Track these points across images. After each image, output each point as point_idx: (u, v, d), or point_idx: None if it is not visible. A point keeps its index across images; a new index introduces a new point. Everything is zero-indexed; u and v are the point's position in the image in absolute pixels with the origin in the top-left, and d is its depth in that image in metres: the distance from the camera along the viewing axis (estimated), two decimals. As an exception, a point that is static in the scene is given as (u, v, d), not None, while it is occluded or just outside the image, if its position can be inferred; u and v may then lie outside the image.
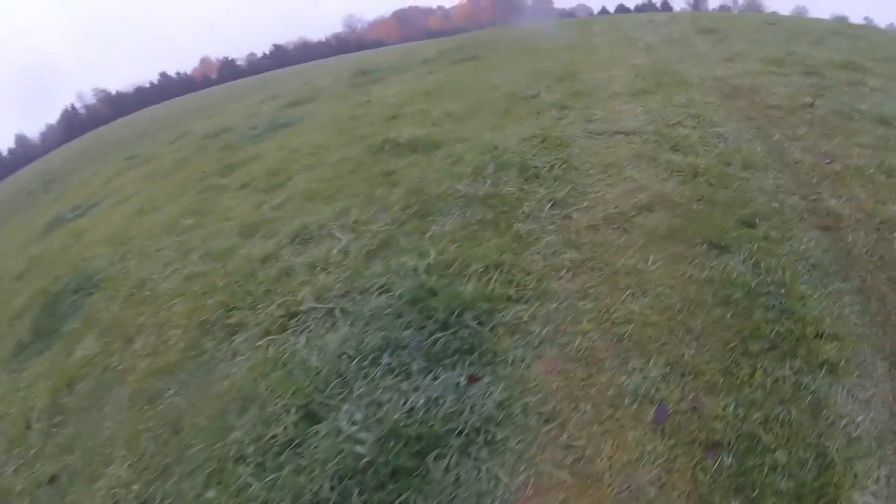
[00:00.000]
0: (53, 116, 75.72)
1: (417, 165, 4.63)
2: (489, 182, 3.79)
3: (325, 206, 4.36)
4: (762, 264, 2.87)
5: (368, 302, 2.88)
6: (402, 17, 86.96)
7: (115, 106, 72.11)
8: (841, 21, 29.27)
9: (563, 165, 3.91)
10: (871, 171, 4.03)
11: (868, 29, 22.38)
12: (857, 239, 3.20)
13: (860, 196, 3.71)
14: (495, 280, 2.84)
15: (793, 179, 3.80)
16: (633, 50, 9.98)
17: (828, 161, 4.17)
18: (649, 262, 2.93)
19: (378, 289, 2.97)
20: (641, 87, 6.23)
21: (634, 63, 7.98)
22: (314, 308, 2.97)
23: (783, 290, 2.68)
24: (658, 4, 67.98)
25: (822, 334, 2.40)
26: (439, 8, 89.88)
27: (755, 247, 3.00)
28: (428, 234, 3.40)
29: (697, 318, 2.59)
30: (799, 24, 16.56)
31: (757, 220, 3.26)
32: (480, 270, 2.91)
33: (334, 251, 3.48)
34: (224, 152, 8.49)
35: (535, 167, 3.90)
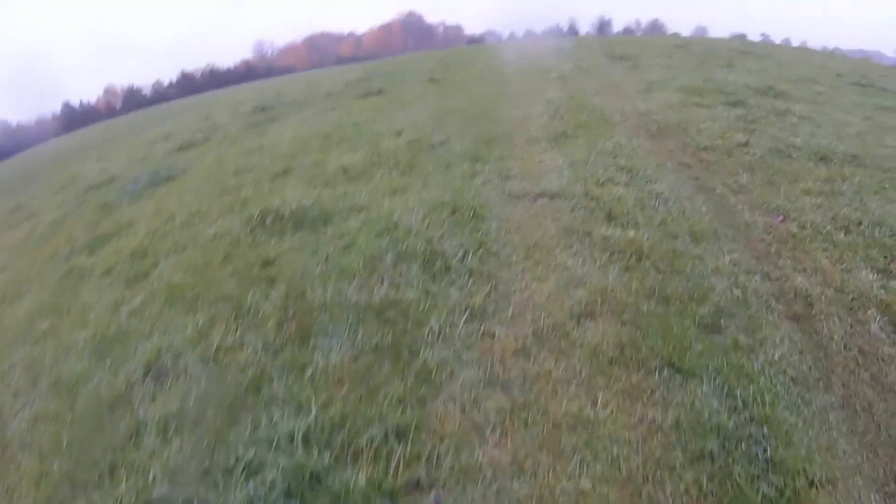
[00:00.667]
0: (-56, 152, 68.80)
1: (302, 250, 3.68)
2: (387, 282, 2.91)
3: (186, 316, 3.34)
4: (737, 391, 2.25)
5: (231, 491, 1.94)
6: (312, 43, 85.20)
7: (15, 140, 65.89)
8: (743, 40, 31.07)
9: (479, 251, 3.09)
10: (828, 227, 3.54)
11: (770, 47, 23.68)
12: (832, 328, 2.73)
13: (824, 265, 3.15)
14: (397, 456, 1.96)
15: (749, 251, 3.19)
16: (547, 81, 9.53)
17: (780, 219, 3.63)
18: (598, 404, 2.15)
19: (245, 469, 2.03)
20: (561, 128, 5.62)
21: (549, 97, 7.45)
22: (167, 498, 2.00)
23: (765, 428, 2.11)
24: (564, 28, 70.64)
25: (814, 481, 1.94)
26: (350, 34, 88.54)
27: (725, 364, 2.35)
28: (308, 372, 2.46)
29: (666, 489, 1.87)
30: (706, 46, 17.04)
31: (721, 321, 2.58)
32: (377, 441, 2.03)
33: (191, 401, 2.49)
34: (100, 214, 7.27)
35: (445, 255, 3.05)
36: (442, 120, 6.51)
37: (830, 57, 19.51)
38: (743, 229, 3.46)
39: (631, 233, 3.17)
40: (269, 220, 4.29)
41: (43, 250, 6.81)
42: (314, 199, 4.38)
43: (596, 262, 2.93)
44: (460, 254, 3.05)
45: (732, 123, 5.99)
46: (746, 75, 10.43)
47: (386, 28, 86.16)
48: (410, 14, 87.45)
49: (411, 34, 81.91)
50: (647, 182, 4.01)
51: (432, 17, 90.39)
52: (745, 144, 5.11)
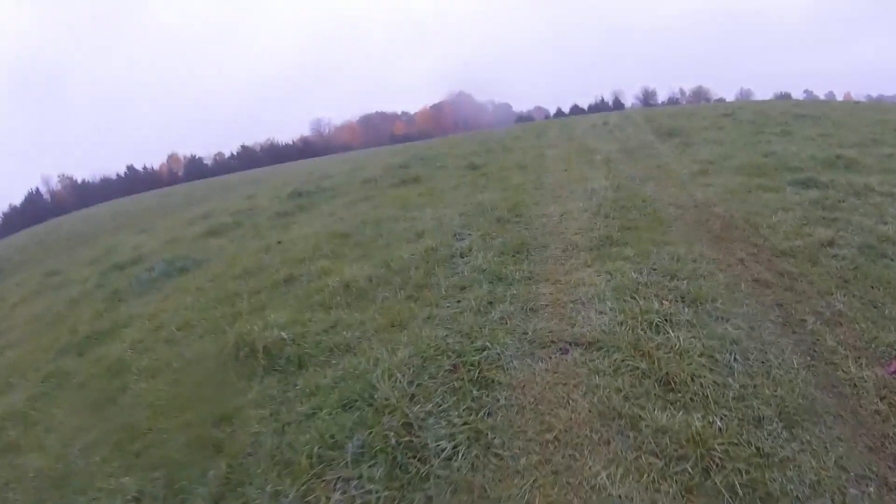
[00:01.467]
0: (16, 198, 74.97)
1: (263, 406, 2.91)
2: (337, 494, 2.04)
3: (122, 478, 2.67)
4: None
5: None
6: (367, 121, 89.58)
7: (79, 194, 71.02)
8: (791, 101, 29.82)
9: (475, 445, 2.19)
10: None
11: (820, 105, 22.33)
12: None
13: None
14: None
15: (861, 436, 2.15)
16: (591, 165, 8.79)
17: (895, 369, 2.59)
18: None
19: None
20: (605, 230, 4.75)
21: (593, 187, 6.64)
22: None
23: None
24: (610, 102, 71.03)
25: None
26: (404, 113, 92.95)
27: None
28: None
29: None
30: (755, 111, 16.09)
31: None
32: None
33: None
34: (109, 303, 6.99)
35: (424, 451, 2.16)
36: (471, 218, 5.77)
37: (880, 108, 18.02)
38: (850, 394, 2.43)
39: (696, 420, 2.18)
40: (242, 353, 3.57)
41: (49, 334, 6.54)
42: (298, 330, 3.64)
43: (642, 477, 1.97)
44: (447, 446, 2.16)
45: (809, 212, 4.99)
46: (807, 144, 9.45)
47: (437, 107, 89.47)
48: (460, 94, 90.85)
49: (461, 112, 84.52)
50: (716, 319, 3.04)
51: (481, 95, 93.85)
52: (831, 244, 4.08)
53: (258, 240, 8.00)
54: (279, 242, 7.21)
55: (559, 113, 71.49)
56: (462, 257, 4.50)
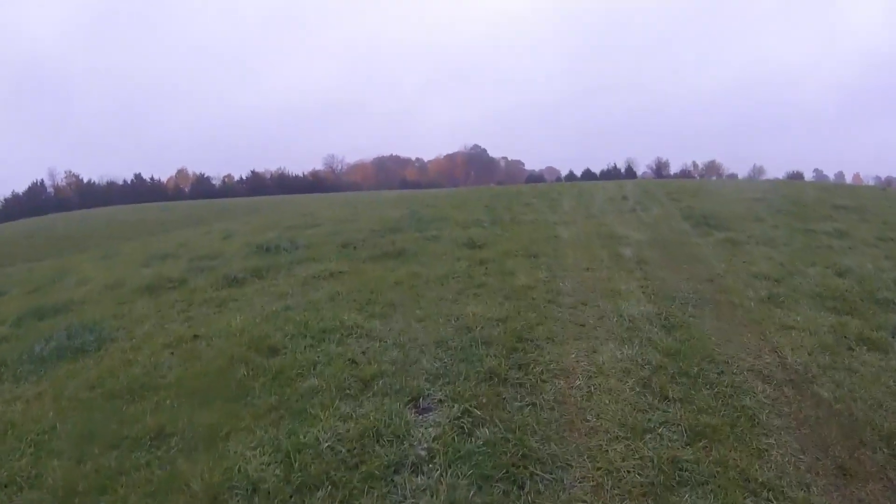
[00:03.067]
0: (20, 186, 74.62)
1: None
2: None
3: None
4: None
5: None
6: (380, 164, 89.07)
7: (83, 194, 69.90)
8: (821, 186, 28.03)
9: None
10: None
11: (849, 191, 20.32)
12: None
13: None
14: None
15: None
16: (619, 265, 6.93)
17: None
18: None
19: None
20: (664, 447, 2.83)
21: (631, 314, 4.76)
22: None
23: None
24: (623, 170, 70.10)
25: None
26: (417, 160, 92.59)
27: None
28: None
29: None
30: (788, 199, 14.39)
31: None
32: None
33: None
34: None
35: None
36: (450, 361, 3.85)
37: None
38: None
39: None
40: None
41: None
42: None
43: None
44: None
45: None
46: (872, 251, 7.84)
47: (450, 158, 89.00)
48: (475, 147, 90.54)
49: (474, 165, 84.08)
50: None
51: (495, 151, 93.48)
52: None
53: (180, 322, 6.11)
54: (195, 337, 5.31)
55: (571, 176, 70.62)
56: (414, 474, 2.55)
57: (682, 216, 11.32)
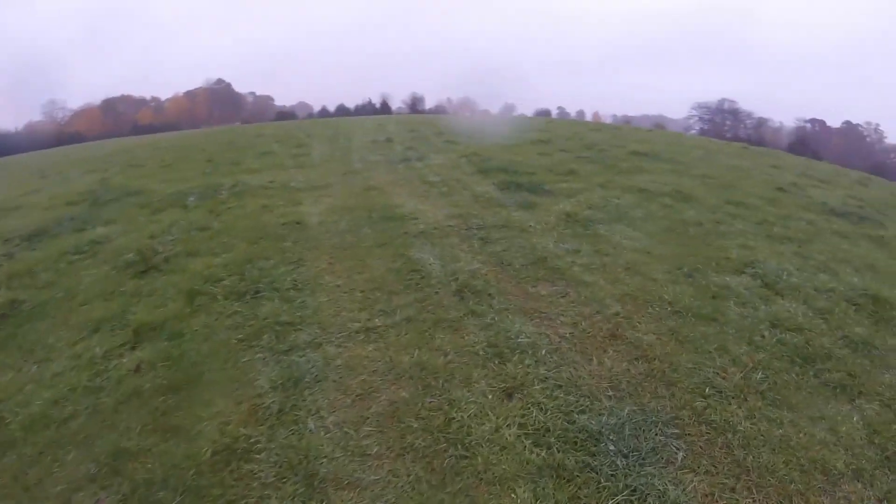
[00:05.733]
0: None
1: None
2: None
3: None
4: None
5: None
6: (109, 106, 71.33)
7: None
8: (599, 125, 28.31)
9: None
10: None
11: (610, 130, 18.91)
12: None
13: None
14: None
15: None
16: (420, 274, 3.83)
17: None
18: None
19: None
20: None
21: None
22: None
23: None
24: (378, 104, 67.58)
25: None
26: (153, 99, 76.66)
27: None
28: None
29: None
30: (564, 134, 13.02)
31: None
32: None
33: None
34: None
35: None
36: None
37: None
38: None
39: None
40: None
41: None
42: None
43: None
44: None
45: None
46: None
47: (190, 95, 75.04)
48: (219, 81, 77.95)
49: (217, 102, 72.23)
50: None
51: (242, 86, 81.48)
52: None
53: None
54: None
55: (324, 112, 65.51)
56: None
57: (473, 168, 8.63)
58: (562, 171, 8.36)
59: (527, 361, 2.87)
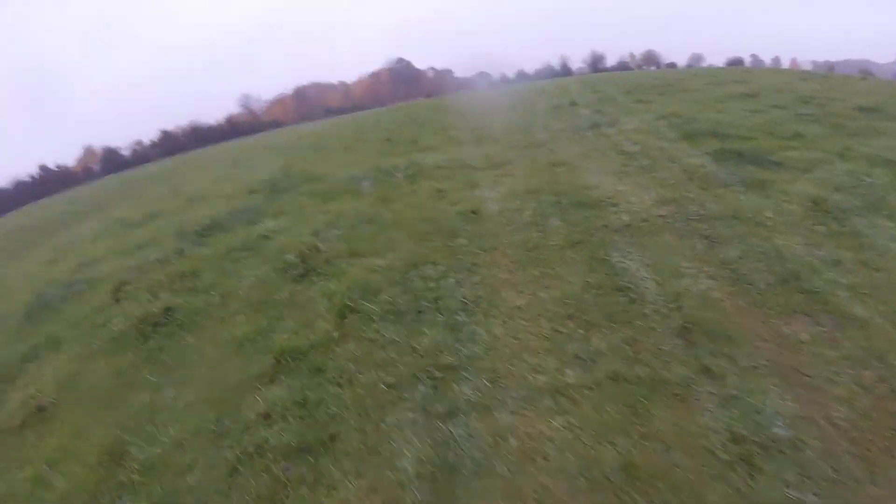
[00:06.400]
0: None
1: None
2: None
3: None
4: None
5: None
6: (301, 94, 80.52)
7: None
8: (805, 72, 23.22)
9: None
10: None
11: (821, 79, 15.37)
12: None
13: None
14: None
15: None
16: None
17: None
18: None
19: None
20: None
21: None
22: None
23: None
24: (557, 67, 64.68)
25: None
26: (341, 83, 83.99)
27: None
28: None
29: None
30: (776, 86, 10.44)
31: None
32: None
33: None
34: None
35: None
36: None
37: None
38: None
39: None
40: None
41: None
42: None
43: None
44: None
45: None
46: None
47: (375, 76, 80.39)
48: (399, 60, 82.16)
49: (400, 81, 76.01)
50: None
51: (421, 62, 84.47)
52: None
53: None
54: None
55: (504, 79, 64.67)
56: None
57: (675, 133, 7.20)
58: (785, 135, 6.40)
59: (787, 475, 1.85)
